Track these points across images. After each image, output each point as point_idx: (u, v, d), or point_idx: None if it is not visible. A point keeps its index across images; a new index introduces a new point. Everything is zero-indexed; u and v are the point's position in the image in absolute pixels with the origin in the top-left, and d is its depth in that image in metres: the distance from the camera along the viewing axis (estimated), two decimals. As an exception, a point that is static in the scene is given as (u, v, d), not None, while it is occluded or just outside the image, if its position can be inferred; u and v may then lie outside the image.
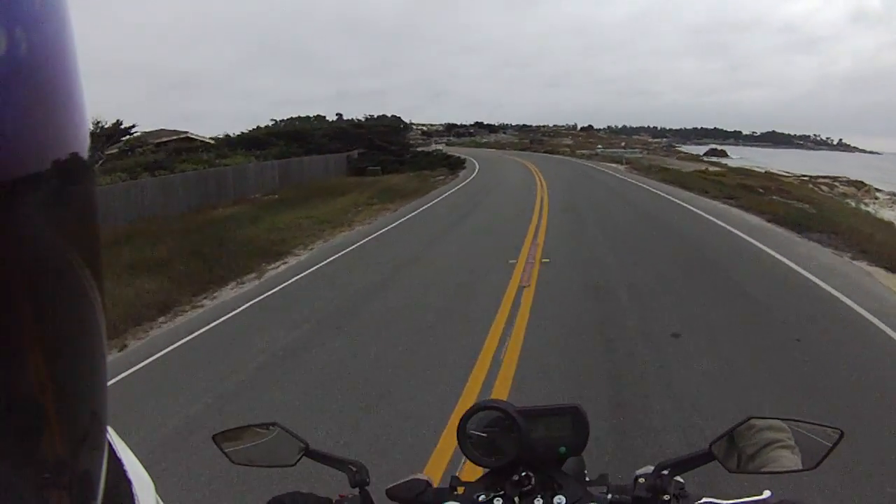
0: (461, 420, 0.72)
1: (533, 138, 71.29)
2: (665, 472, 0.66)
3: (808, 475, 0.71)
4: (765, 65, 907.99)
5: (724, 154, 70.74)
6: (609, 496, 0.68)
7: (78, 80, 0.19)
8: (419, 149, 32.77)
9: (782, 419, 0.65)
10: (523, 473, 0.68)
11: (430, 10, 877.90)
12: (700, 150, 77.48)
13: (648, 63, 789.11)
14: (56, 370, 0.18)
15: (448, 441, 2.56)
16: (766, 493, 0.63)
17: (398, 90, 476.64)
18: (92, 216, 0.20)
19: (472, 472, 0.77)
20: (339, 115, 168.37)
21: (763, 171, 28.69)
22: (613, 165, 25.65)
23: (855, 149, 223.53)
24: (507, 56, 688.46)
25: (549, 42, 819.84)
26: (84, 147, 0.19)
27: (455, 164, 24.90)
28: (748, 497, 0.63)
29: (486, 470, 0.72)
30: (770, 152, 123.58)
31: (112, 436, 0.30)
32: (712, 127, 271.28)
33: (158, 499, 0.41)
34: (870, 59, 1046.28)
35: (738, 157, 69.52)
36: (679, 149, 69.13)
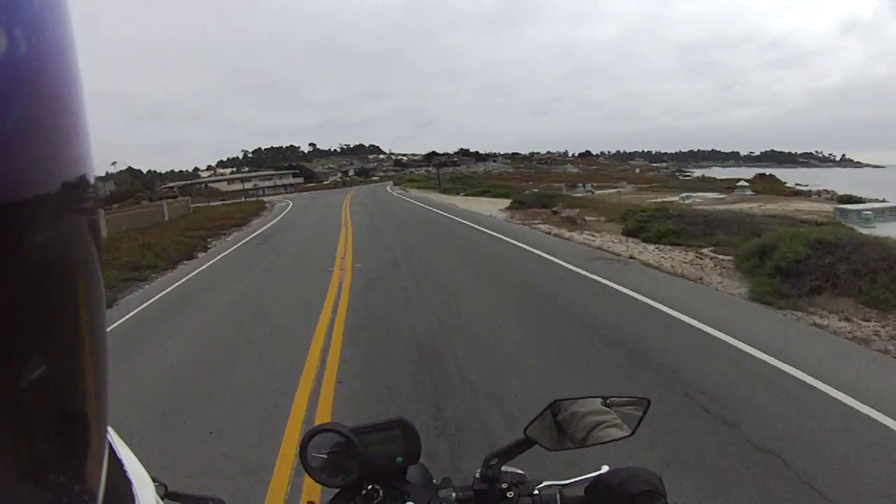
0: (300, 447, 0.74)
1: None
2: (493, 461, 0.71)
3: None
4: (754, 81, 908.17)
5: (774, 178, 65.21)
6: (454, 495, 0.72)
7: (79, 84, 0.18)
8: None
9: (593, 397, 0.74)
10: (370, 487, 0.72)
11: (409, 37, 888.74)
12: (702, 173, 66.67)
13: (635, 86, 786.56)
14: (61, 372, 0.17)
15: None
16: (604, 468, 0.64)
17: (384, 120, 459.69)
18: (95, 224, 0.20)
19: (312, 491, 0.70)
20: (313, 144, 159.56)
21: None
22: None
23: (859, 163, 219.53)
24: (491, 83, 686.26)
25: (532, 67, 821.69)
26: (88, 156, 0.19)
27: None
28: (586, 475, 0.65)
29: (337, 490, 0.74)
30: (803, 172, 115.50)
31: (112, 436, 0.30)
32: (709, 149, 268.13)
33: (158, 499, 0.41)
34: (862, 70, 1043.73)
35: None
36: (691, 174, 61.43)
